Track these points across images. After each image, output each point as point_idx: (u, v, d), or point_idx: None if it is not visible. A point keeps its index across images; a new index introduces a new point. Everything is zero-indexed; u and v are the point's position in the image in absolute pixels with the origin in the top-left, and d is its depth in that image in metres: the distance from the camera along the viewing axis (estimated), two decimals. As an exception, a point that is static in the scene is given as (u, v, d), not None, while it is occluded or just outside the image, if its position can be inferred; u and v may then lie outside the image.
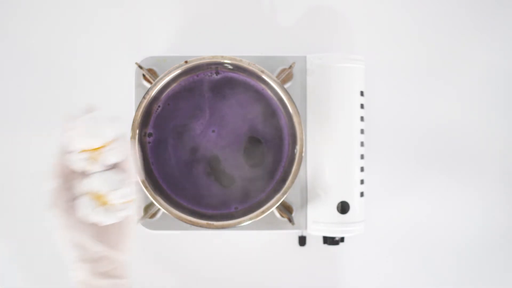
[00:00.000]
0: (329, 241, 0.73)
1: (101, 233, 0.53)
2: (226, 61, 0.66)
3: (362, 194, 0.71)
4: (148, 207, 0.71)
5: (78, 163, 0.52)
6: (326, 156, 0.70)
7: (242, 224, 0.66)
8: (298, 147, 0.67)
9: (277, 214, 0.71)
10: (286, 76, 0.71)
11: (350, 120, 0.70)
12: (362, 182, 0.71)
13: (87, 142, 0.52)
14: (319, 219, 0.70)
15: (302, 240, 0.79)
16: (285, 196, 0.66)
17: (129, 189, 0.53)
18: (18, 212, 0.82)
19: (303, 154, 0.66)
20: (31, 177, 0.82)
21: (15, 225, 0.82)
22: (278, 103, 0.68)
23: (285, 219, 0.71)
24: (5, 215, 0.82)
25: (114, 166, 0.54)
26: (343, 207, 0.69)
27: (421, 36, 0.84)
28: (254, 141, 0.69)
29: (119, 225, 0.54)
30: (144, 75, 0.70)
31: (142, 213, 0.70)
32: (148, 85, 0.70)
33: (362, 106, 0.71)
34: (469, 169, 0.84)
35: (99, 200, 0.52)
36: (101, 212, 0.52)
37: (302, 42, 0.83)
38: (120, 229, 0.54)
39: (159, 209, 0.70)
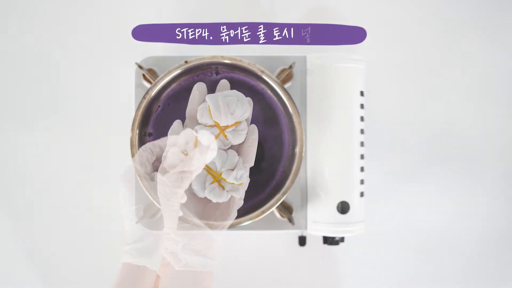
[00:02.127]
0: (329, 241, 0.73)
1: (205, 210, 0.53)
2: (226, 61, 0.66)
3: (362, 194, 0.70)
4: (148, 207, 0.70)
5: (203, 137, 0.52)
6: (326, 156, 0.70)
7: (242, 224, 0.65)
8: (298, 147, 0.67)
9: (277, 214, 0.71)
10: (286, 76, 0.71)
11: (350, 120, 0.70)
12: (362, 182, 0.70)
13: (219, 118, 0.52)
14: (319, 219, 0.70)
15: (302, 240, 0.79)
16: (285, 196, 0.66)
17: (244, 171, 0.53)
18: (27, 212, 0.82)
19: (303, 154, 0.66)
20: (35, 176, 0.82)
21: (30, 225, 0.82)
22: (278, 103, 0.68)
23: (285, 219, 0.71)
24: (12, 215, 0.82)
25: (232, 147, 0.55)
26: (343, 207, 0.69)
27: (421, 36, 0.84)
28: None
29: (223, 206, 0.54)
30: (144, 75, 0.70)
31: (142, 213, 0.70)
32: (148, 85, 0.70)
33: (362, 106, 0.70)
34: (469, 169, 0.84)
35: (215, 176, 0.52)
36: (214, 188, 0.52)
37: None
38: (223, 211, 0.53)
39: (159, 209, 0.70)
